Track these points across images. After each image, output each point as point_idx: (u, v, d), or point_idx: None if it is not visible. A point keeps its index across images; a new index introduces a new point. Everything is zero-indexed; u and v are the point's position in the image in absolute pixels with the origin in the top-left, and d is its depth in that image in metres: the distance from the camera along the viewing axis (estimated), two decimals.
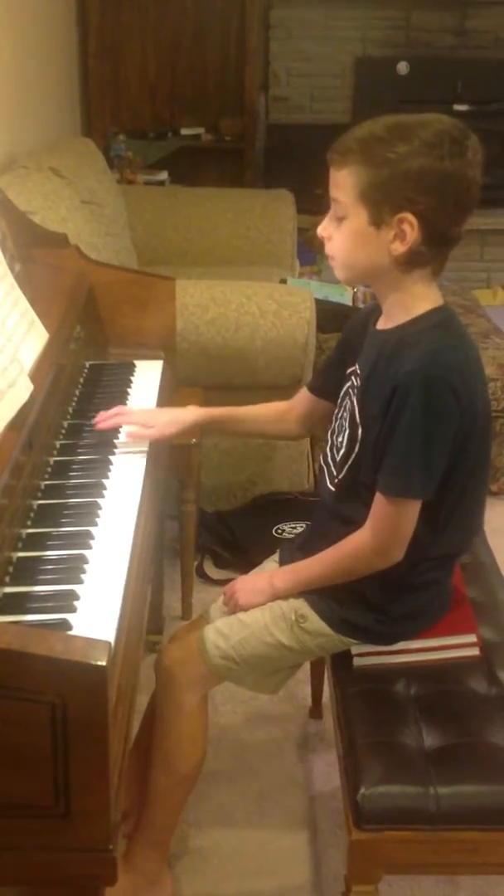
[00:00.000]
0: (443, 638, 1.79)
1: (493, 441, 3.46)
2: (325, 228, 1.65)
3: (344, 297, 3.77)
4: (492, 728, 1.66)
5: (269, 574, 1.83)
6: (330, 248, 1.66)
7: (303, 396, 1.96)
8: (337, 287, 3.77)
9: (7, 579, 1.44)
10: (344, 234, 1.62)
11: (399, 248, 1.58)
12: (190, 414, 1.94)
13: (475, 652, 1.80)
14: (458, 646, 1.79)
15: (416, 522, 1.66)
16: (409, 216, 1.55)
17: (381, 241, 1.58)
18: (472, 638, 1.80)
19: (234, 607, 1.82)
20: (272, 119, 5.75)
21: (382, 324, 1.71)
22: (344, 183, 1.59)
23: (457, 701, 1.72)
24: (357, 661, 1.78)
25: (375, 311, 1.75)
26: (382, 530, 1.65)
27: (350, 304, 3.76)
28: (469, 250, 5.75)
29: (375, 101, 5.35)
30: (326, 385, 1.89)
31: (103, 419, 1.90)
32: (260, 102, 5.48)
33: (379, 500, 1.64)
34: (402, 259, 1.60)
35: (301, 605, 1.76)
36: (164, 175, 5.04)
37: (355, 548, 1.68)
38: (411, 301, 1.64)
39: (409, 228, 1.56)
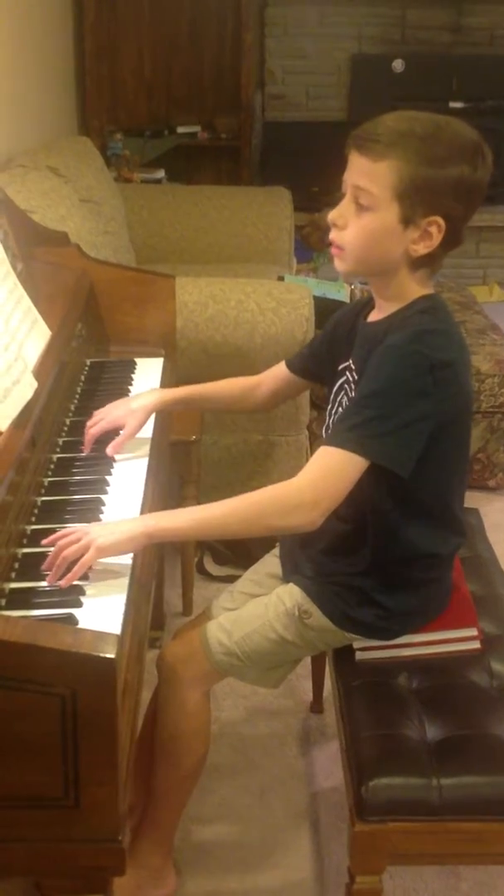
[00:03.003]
0: (444, 632, 1.80)
1: (491, 436, 3.48)
2: (341, 216, 1.60)
3: (341, 293, 3.78)
4: (493, 720, 1.67)
5: (141, 517, 1.61)
6: (341, 238, 1.61)
7: (278, 371, 1.97)
8: (334, 284, 3.78)
9: (13, 575, 1.45)
10: (365, 226, 1.58)
11: (421, 249, 1.58)
12: (153, 400, 1.93)
13: (476, 645, 1.81)
14: (460, 639, 1.81)
15: (395, 513, 1.67)
16: (440, 220, 1.56)
17: (403, 239, 1.58)
18: (473, 631, 1.81)
19: (90, 557, 1.46)
20: (268, 116, 5.78)
21: (374, 316, 1.72)
22: (381, 175, 1.54)
23: (458, 693, 1.73)
24: (359, 655, 1.79)
25: (367, 306, 1.76)
26: (316, 479, 1.57)
27: (347, 300, 3.77)
28: (465, 247, 5.71)
29: (371, 99, 5.37)
30: (305, 365, 1.92)
31: (87, 442, 1.87)
32: (256, 100, 5.48)
33: (324, 450, 1.59)
34: (417, 260, 1.61)
35: (304, 602, 1.77)
36: (160, 173, 5.05)
37: (282, 492, 1.59)
38: (404, 293, 1.66)
39: (437, 232, 1.56)
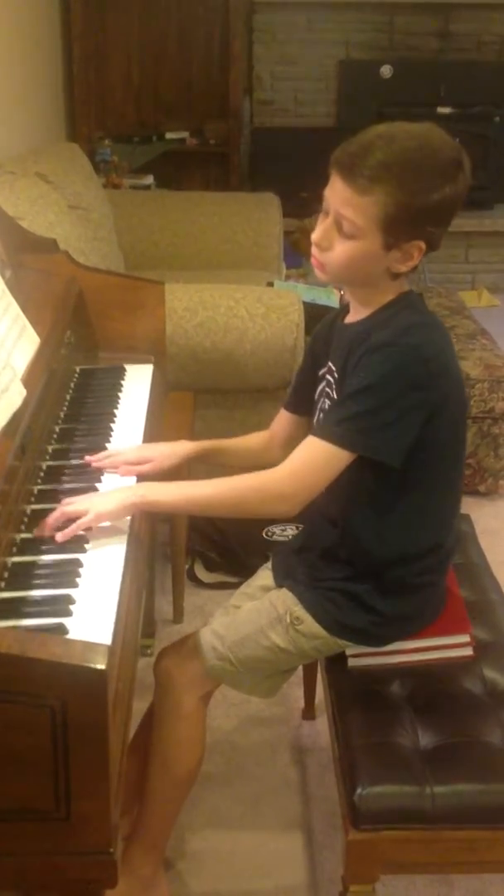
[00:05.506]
0: (437, 638, 1.80)
1: (481, 441, 3.48)
2: (325, 238, 1.61)
3: (331, 299, 3.77)
4: (486, 727, 1.67)
5: (135, 486, 1.71)
6: (325, 257, 1.63)
7: (282, 418, 1.95)
8: (324, 290, 3.78)
9: (2, 584, 1.44)
10: (348, 251, 1.60)
11: (402, 268, 1.62)
12: (184, 447, 1.91)
13: (468, 652, 1.81)
14: (452, 646, 1.80)
15: (388, 509, 1.67)
16: (422, 243, 1.59)
17: (385, 260, 1.61)
18: (466, 638, 1.81)
19: (89, 519, 1.57)
20: (257, 122, 5.78)
21: (352, 317, 1.73)
22: (366, 208, 1.55)
23: (451, 700, 1.73)
24: (352, 662, 1.79)
25: (341, 312, 1.78)
26: (297, 471, 1.62)
27: (337, 305, 3.76)
28: (454, 252, 5.78)
29: (359, 104, 5.39)
30: (300, 397, 1.89)
31: (95, 460, 1.81)
32: (244, 106, 5.48)
33: (310, 441, 1.63)
34: (398, 273, 1.64)
35: (296, 608, 1.76)
36: (149, 179, 5.04)
37: (264, 481, 1.65)
38: (382, 296, 1.68)
39: (418, 253, 1.60)
